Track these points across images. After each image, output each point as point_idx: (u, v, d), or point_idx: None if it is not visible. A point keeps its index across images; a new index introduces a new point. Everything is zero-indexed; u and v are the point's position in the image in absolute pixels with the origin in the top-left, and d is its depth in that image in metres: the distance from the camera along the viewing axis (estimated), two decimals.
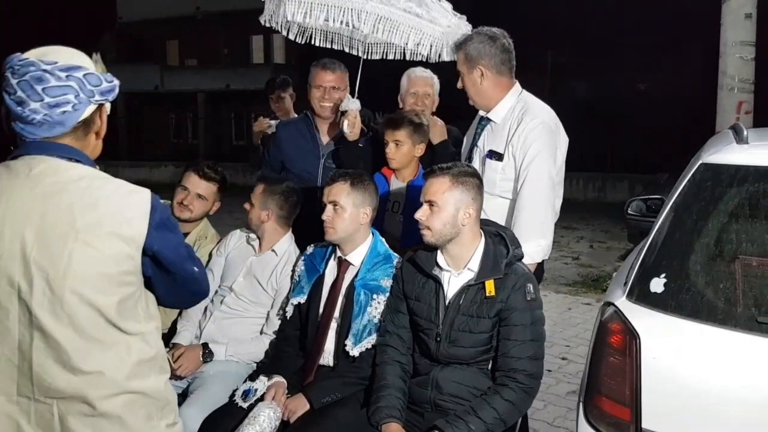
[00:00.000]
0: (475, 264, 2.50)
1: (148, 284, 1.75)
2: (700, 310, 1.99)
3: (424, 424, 2.50)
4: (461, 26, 3.16)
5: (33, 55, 1.65)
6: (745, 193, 2.12)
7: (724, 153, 2.28)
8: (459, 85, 3.07)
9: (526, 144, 2.86)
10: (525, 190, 2.86)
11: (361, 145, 3.40)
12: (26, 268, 1.59)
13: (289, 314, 2.89)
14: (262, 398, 2.62)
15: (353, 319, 2.71)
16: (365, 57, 3.41)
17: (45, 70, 1.62)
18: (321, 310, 2.80)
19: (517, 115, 2.94)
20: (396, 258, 2.79)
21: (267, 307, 3.03)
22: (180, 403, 2.63)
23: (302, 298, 2.85)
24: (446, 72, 3.31)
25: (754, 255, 2.03)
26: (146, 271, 1.71)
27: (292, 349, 2.87)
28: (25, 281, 1.59)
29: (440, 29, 3.09)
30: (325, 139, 3.59)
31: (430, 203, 2.50)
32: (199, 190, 3.25)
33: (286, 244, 3.09)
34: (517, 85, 3.06)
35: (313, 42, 3.37)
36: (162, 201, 1.88)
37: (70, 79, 1.64)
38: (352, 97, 3.37)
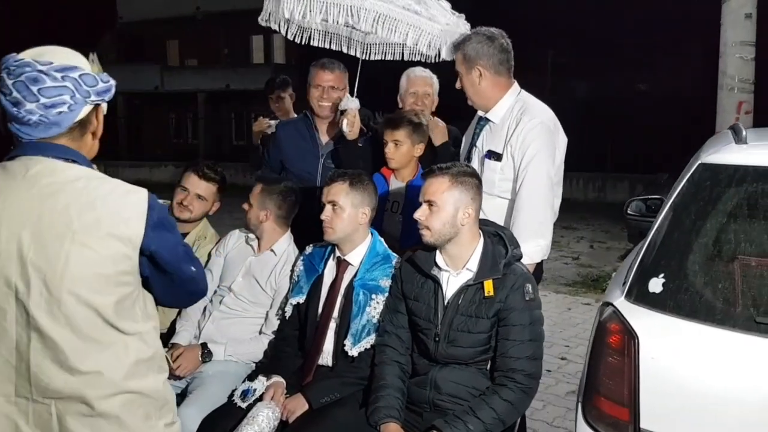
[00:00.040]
0: (473, 264, 2.50)
1: (146, 284, 1.75)
2: (699, 310, 1.99)
3: (422, 424, 2.50)
4: (460, 24, 3.15)
5: (28, 55, 1.64)
6: (743, 193, 2.12)
7: (723, 153, 2.28)
8: (458, 85, 3.07)
9: (525, 144, 2.86)
10: (524, 191, 2.86)
11: (360, 144, 3.40)
12: (23, 269, 1.58)
13: (288, 314, 2.89)
14: (260, 398, 2.62)
15: (352, 319, 2.71)
16: (364, 57, 3.41)
17: (41, 71, 1.61)
18: (320, 310, 2.80)
19: (515, 115, 2.94)
20: (395, 258, 2.79)
21: (266, 307, 3.03)
22: (179, 403, 2.63)
23: (301, 298, 2.85)
24: (446, 72, 3.31)
25: (752, 255, 2.03)
26: (144, 271, 1.71)
27: (291, 349, 2.87)
28: (23, 282, 1.59)
29: (439, 27, 3.08)
30: (324, 139, 3.59)
31: (430, 203, 2.50)
32: (198, 191, 3.24)
33: (285, 244, 3.09)
34: (516, 85, 3.05)
35: (311, 42, 3.37)
36: (161, 201, 1.88)
37: (65, 79, 1.63)
38: (352, 96, 3.37)
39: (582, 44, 17.87)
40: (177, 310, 3.17)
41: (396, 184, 3.37)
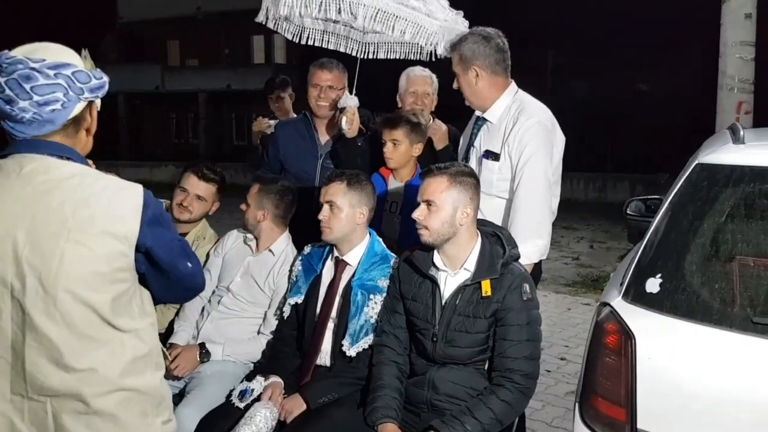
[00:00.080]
0: (471, 264, 2.50)
1: (143, 280, 1.75)
2: (696, 310, 1.99)
3: (420, 424, 2.50)
4: (458, 21, 3.15)
5: (21, 52, 1.64)
6: (740, 194, 2.12)
7: (720, 153, 2.28)
8: (455, 85, 3.07)
9: (522, 144, 2.86)
10: (521, 190, 2.85)
11: (360, 144, 3.41)
12: (18, 267, 1.58)
13: (286, 314, 2.89)
14: (258, 398, 2.62)
15: (350, 319, 2.71)
16: (362, 57, 3.41)
17: (33, 68, 1.60)
18: (318, 310, 2.80)
19: (513, 115, 2.94)
20: (393, 258, 2.79)
21: (264, 307, 3.03)
22: (177, 403, 2.64)
23: (299, 298, 2.85)
24: (445, 71, 3.31)
25: (749, 255, 2.02)
26: (140, 267, 1.70)
27: (289, 349, 2.87)
28: (18, 280, 1.58)
29: (437, 23, 3.08)
30: (323, 138, 3.59)
31: (428, 203, 2.50)
32: (198, 191, 3.25)
33: (283, 244, 3.09)
34: (513, 85, 3.05)
35: (309, 42, 3.37)
36: (162, 201, 1.88)
37: (58, 77, 1.63)
38: (351, 94, 3.37)
39: (582, 44, 17.86)
40: (175, 310, 3.18)
41: (394, 184, 3.37)
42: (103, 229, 1.62)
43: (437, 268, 2.55)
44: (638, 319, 2.04)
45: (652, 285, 2.06)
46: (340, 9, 3.00)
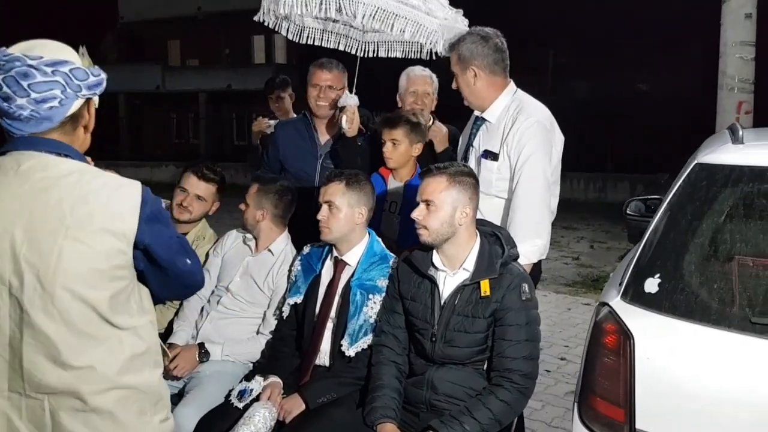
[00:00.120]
0: (470, 264, 2.50)
1: (141, 277, 1.74)
2: (694, 310, 1.98)
3: (419, 424, 2.49)
4: (458, 20, 3.15)
5: (18, 49, 1.63)
6: (739, 193, 2.12)
7: (719, 153, 2.28)
8: (454, 85, 3.07)
9: (521, 143, 2.86)
10: (520, 190, 2.85)
11: (359, 143, 3.40)
12: (16, 264, 1.58)
13: (285, 314, 2.88)
14: (257, 398, 2.62)
15: (349, 319, 2.71)
16: (362, 55, 3.41)
17: (30, 66, 1.60)
18: (317, 310, 2.80)
19: (511, 115, 2.94)
20: (392, 258, 2.79)
21: (263, 307, 3.03)
22: (176, 403, 2.64)
23: (299, 298, 2.85)
24: (445, 71, 3.31)
25: (748, 255, 2.02)
26: (138, 264, 1.70)
27: (288, 349, 2.87)
28: (16, 278, 1.58)
29: (437, 21, 3.07)
30: (323, 138, 3.59)
31: (427, 202, 2.50)
32: (198, 192, 3.25)
33: (282, 244, 3.09)
34: (512, 84, 3.05)
35: (308, 41, 3.37)
36: (162, 201, 1.88)
37: (56, 74, 1.62)
38: (351, 93, 3.37)
39: (582, 44, 17.87)
40: (174, 310, 3.18)
41: (394, 184, 3.37)
42: (102, 227, 1.61)
43: (436, 268, 2.55)
44: (637, 319, 2.04)
45: (651, 285, 2.06)
46: (339, 7, 3.00)
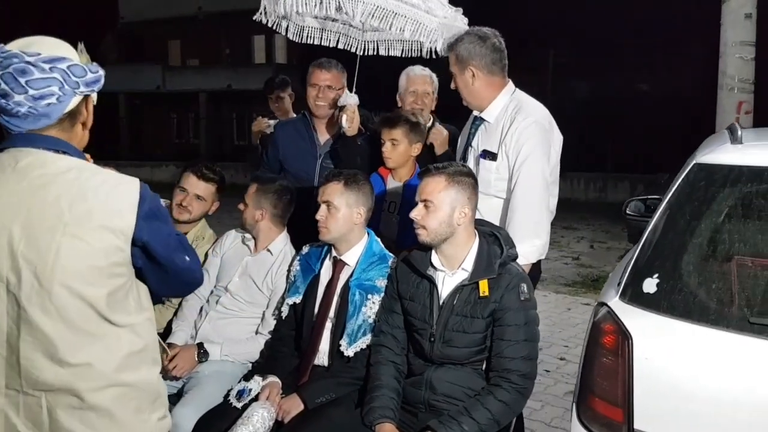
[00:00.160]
0: (469, 264, 2.50)
1: (140, 275, 1.74)
2: (693, 310, 1.98)
3: (417, 424, 2.49)
4: (457, 18, 3.15)
5: (16, 46, 1.63)
6: (738, 194, 2.12)
7: (718, 153, 2.28)
8: (452, 85, 3.07)
9: (519, 143, 2.86)
10: (519, 190, 2.85)
11: (359, 143, 3.40)
12: (14, 261, 1.58)
13: (284, 314, 2.88)
14: (256, 398, 2.61)
15: (348, 319, 2.70)
16: (362, 54, 3.40)
17: (28, 62, 1.60)
18: (316, 310, 2.80)
19: (510, 114, 2.94)
20: (391, 258, 2.79)
21: (262, 307, 3.03)
22: (174, 403, 2.64)
23: (297, 298, 2.85)
24: (445, 70, 3.31)
25: (746, 255, 2.02)
26: (136, 262, 1.70)
27: (287, 349, 2.87)
28: (14, 275, 1.58)
29: (437, 20, 3.07)
30: (322, 138, 3.59)
31: (426, 202, 2.50)
32: (197, 191, 3.24)
33: (281, 244, 3.09)
34: (510, 84, 3.05)
35: (308, 40, 3.37)
36: (162, 201, 1.87)
37: (54, 70, 1.62)
38: (351, 92, 3.37)
39: (582, 44, 17.85)
40: (173, 309, 3.18)
41: (393, 183, 3.37)
42: (100, 224, 1.61)
43: (435, 268, 2.55)
44: (635, 320, 2.04)
45: (650, 285, 2.06)
46: (339, 6, 2.99)
